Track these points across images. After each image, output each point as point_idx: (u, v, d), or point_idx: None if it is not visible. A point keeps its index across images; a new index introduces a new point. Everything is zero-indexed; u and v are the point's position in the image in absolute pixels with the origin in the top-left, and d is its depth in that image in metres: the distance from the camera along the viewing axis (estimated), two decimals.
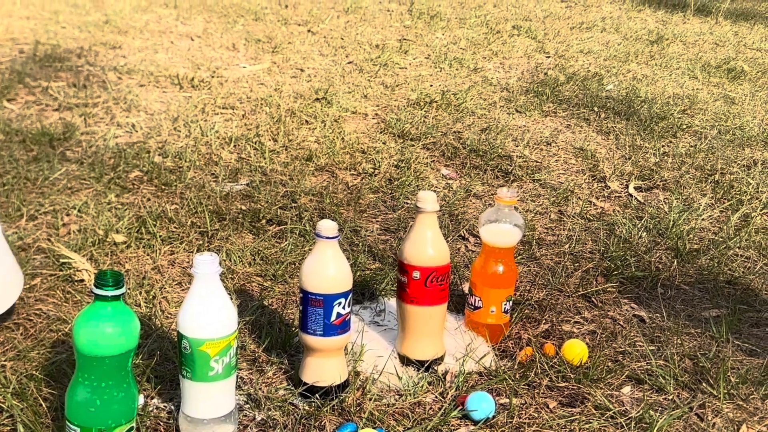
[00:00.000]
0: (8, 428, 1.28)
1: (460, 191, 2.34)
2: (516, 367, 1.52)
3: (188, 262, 1.84)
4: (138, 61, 3.46)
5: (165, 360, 1.46)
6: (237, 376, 1.35)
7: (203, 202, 2.14)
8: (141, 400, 1.34)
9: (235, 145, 2.58)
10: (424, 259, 1.47)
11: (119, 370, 1.17)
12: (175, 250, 1.89)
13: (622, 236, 2.11)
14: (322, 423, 1.33)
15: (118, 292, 1.15)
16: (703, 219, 2.26)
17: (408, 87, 3.33)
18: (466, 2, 5.23)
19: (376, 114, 2.98)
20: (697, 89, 3.56)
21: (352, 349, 1.54)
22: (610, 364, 1.55)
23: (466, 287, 1.74)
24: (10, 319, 1.57)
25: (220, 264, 1.25)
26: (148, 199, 2.16)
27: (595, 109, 3.17)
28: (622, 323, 1.72)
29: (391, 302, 1.74)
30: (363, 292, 1.76)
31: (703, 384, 1.50)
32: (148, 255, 1.86)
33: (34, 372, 1.41)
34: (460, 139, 2.74)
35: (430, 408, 1.40)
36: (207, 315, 1.24)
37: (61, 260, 1.78)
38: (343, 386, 1.41)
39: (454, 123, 2.91)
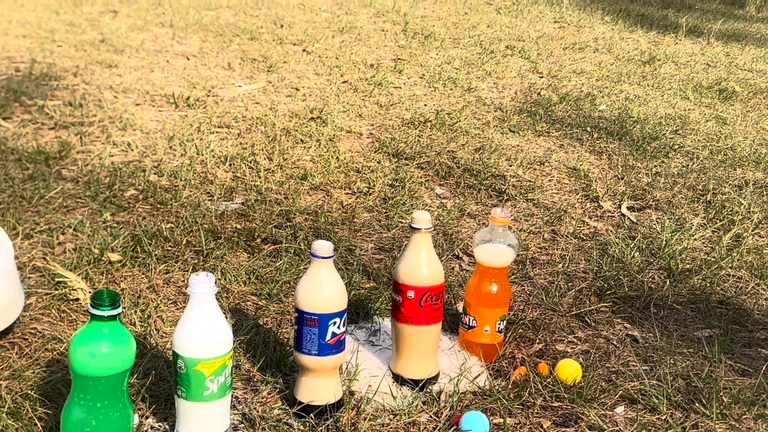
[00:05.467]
0: None
1: (454, 210, 2.35)
2: (510, 386, 1.53)
3: (183, 281, 1.84)
4: (134, 80, 3.47)
5: (160, 379, 1.46)
6: (232, 395, 1.35)
7: (198, 220, 2.15)
8: (136, 419, 1.34)
9: (230, 164, 2.59)
10: (418, 279, 1.48)
11: (115, 390, 1.17)
12: (170, 269, 1.89)
13: (615, 256, 2.13)
14: None
15: (114, 312, 1.16)
16: (695, 239, 2.27)
17: (402, 106, 3.35)
18: (460, 23, 5.27)
19: (371, 133, 3.00)
20: (689, 110, 3.59)
21: (346, 368, 1.54)
22: (603, 383, 1.56)
23: (460, 307, 1.75)
24: (5, 338, 1.57)
25: (216, 283, 1.25)
26: (144, 218, 2.16)
27: (588, 129, 3.19)
28: (615, 343, 1.73)
29: (386, 322, 1.74)
30: (357, 312, 1.77)
31: (696, 404, 1.51)
32: (143, 274, 1.87)
33: (29, 391, 1.41)
34: (454, 159, 2.75)
35: (425, 427, 1.40)
36: (203, 335, 1.24)
37: (57, 279, 1.78)
38: (338, 406, 1.41)
39: (448, 142, 2.92)
